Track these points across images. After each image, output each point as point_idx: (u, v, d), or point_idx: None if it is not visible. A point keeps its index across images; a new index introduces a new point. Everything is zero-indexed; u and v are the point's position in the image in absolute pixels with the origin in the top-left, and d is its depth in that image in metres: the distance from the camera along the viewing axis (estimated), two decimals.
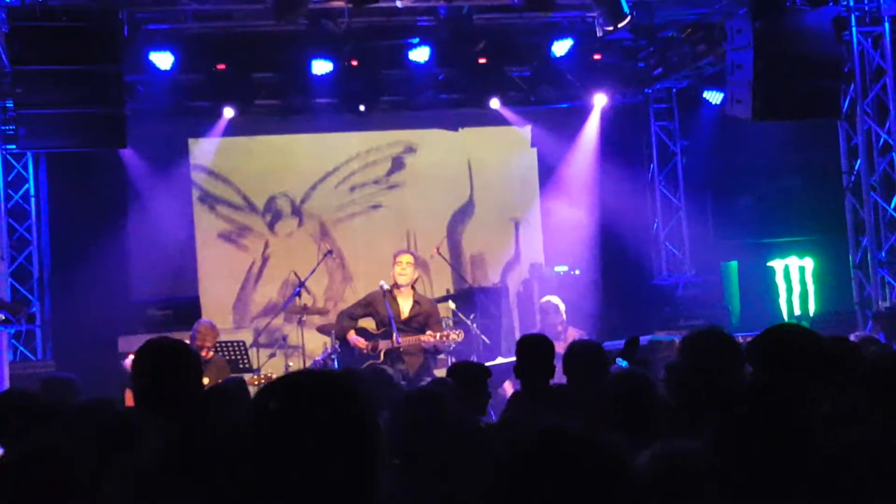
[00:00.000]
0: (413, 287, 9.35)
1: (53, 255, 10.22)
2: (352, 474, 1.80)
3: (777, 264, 11.74)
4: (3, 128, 8.93)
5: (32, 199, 10.05)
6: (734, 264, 12.02)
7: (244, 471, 1.81)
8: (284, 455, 1.78)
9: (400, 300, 9.28)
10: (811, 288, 11.66)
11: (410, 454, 3.40)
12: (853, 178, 10.30)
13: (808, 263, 11.69)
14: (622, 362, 5.57)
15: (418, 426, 3.45)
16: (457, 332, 9.11)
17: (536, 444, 1.83)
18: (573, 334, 9.30)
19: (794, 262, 11.72)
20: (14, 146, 9.20)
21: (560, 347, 6.49)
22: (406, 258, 9.32)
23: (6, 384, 8.41)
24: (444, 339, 8.98)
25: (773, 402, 2.48)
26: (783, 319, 11.42)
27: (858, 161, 10.16)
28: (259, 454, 1.80)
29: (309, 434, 1.79)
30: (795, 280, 11.72)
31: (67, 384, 5.77)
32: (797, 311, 11.66)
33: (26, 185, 10.00)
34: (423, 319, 9.20)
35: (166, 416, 3.39)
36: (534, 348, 5.32)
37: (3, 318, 7.89)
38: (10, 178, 9.72)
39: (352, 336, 9.26)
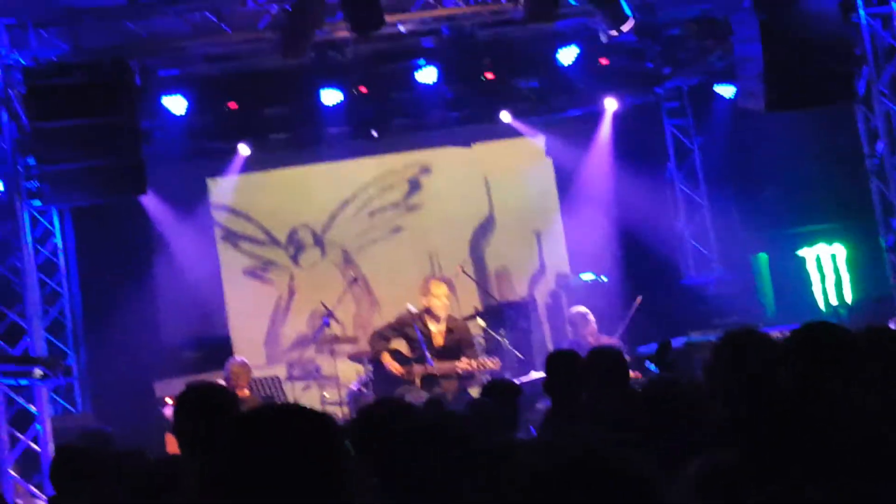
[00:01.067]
0: None
1: (85, 306, 10.31)
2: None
3: (807, 253, 11.63)
4: (27, 184, 9.04)
5: (61, 253, 10.15)
6: (764, 256, 11.91)
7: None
8: (254, 485, 1.89)
9: (431, 325, 9.28)
10: (845, 275, 11.52)
11: (427, 477, 3.37)
12: (876, 161, 10.20)
13: (839, 250, 11.56)
14: (651, 366, 5.51)
15: (431, 450, 3.41)
16: (493, 360, 9.09)
17: (560, 468, 1.80)
18: (605, 343, 9.26)
19: (824, 249, 11.60)
20: (39, 202, 9.32)
21: None
22: (442, 290, 9.30)
23: (50, 439, 8.47)
24: (481, 367, 8.97)
25: (815, 406, 2.43)
26: (819, 310, 11.30)
27: (880, 143, 10.08)
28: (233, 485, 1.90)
29: (277, 464, 1.88)
30: (828, 268, 11.59)
31: (102, 437, 5.82)
32: (833, 300, 11.52)
33: (53, 239, 10.11)
34: (456, 344, 9.19)
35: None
36: (561, 363, 5.30)
37: (42, 373, 7.96)
38: (38, 234, 9.83)
39: (386, 359, 9.27)
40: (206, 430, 3.65)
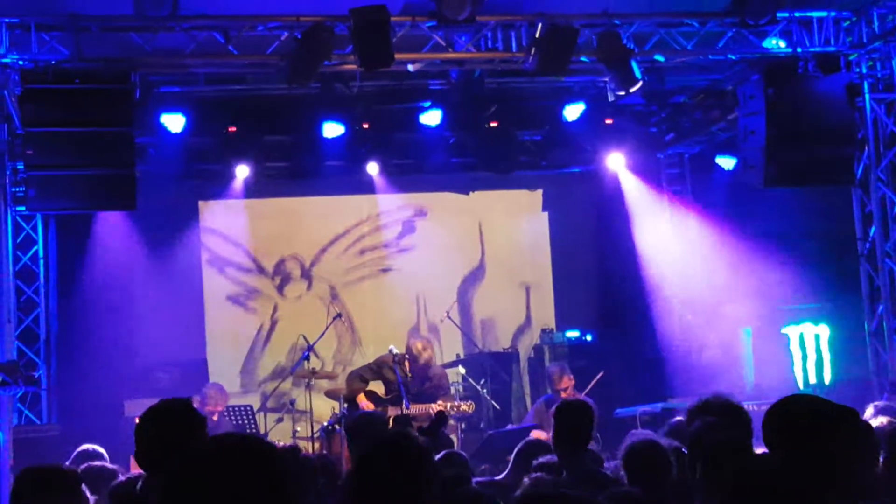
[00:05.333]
0: None
1: (61, 317, 10.16)
2: None
3: (792, 331, 11.57)
4: (14, 189, 8.92)
5: (41, 262, 10.02)
6: (748, 331, 11.85)
7: None
8: None
9: (410, 369, 9.16)
10: (826, 356, 11.45)
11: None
12: (868, 244, 10.19)
13: (824, 331, 11.50)
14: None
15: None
16: (468, 404, 8.99)
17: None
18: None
19: (809, 329, 11.54)
20: (24, 208, 9.18)
21: None
22: (422, 346, 9.17)
23: (9, 448, 8.27)
24: (455, 409, 8.86)
25: (788, 480, 2.39)
26: (798, 387, 11.22)
27: (873, 228, 10.07)
28: None
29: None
30: (811, 347, 11.52)
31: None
32: (812, 380, 11.45)
33: (35, 247, 9.97)
34: (433, 388, 9.08)
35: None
36: (574, 415, 5.01)
37: (1, 380, 7.77)
38: (19, 240, 9.69)
39: (361, 400, 9.15)
40: (167, 451, 3.52)
